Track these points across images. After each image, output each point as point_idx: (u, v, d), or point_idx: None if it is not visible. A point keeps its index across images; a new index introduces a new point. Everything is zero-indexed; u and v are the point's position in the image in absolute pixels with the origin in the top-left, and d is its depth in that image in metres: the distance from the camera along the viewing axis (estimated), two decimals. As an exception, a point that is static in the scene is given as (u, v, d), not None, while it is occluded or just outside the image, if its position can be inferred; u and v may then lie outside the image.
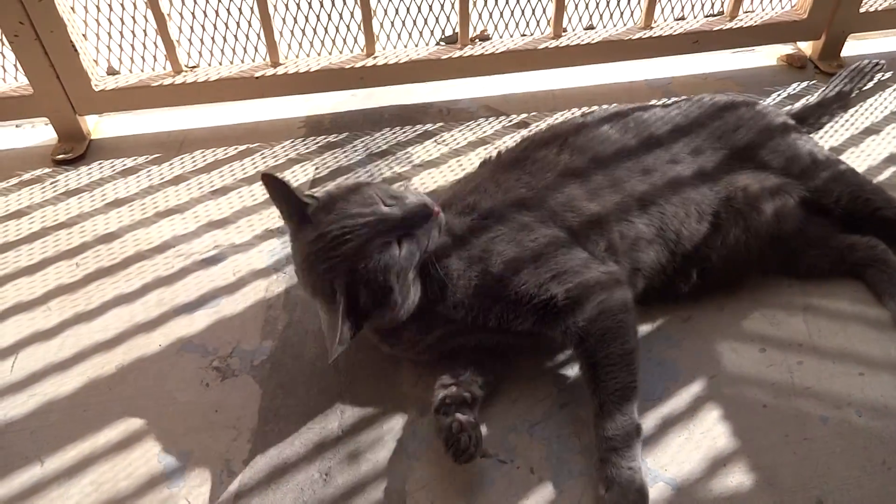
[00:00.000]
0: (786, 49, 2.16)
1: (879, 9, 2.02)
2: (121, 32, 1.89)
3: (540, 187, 1.35)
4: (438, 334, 1.27)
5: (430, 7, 1.96)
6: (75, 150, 1.89)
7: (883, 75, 2.05)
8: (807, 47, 2.14)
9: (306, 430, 1.28)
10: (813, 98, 1.82)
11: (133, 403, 1.33)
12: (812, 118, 1.78)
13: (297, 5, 1.89)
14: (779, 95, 2.01)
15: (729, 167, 1.44)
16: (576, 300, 1.22)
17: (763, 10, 2.05)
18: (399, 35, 1.99)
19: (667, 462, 1.21)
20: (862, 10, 2.00)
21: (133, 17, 1.85)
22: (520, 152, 1.46)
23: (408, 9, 1.95)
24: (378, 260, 1.12)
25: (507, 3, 1.97)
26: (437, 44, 2.00)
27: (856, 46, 2.14)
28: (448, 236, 1.27)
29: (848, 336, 1.39)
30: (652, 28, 1.98)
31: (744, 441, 1.23)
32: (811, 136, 1.61)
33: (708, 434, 1.25)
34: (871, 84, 1.99)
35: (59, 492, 1.20)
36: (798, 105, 1.81)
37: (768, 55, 2.17)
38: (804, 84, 2.05)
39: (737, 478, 1.19)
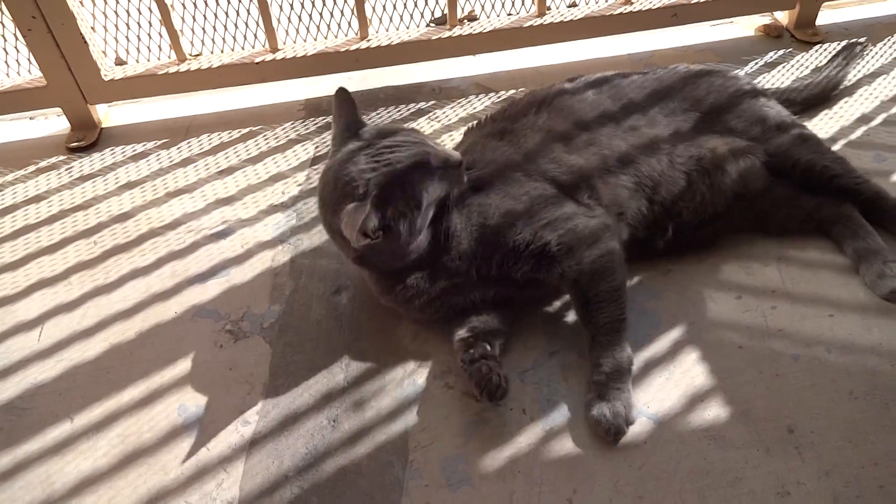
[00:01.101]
0: (762, 20, 2.24)
1: (851, -23, 2.10)
2: (127, 24, 1.99)
3: (526, 147, 1.45)
4: (441, 287, 1.36)
5: (420, -10, 2.05)
6: (87, 137, 1.99)
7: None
8: (783, 17, 2.22)
9: (314, 383, 1.38)
10: (805, 84, 1.87)
11: (153, 365, 1.43)
12: (804, 104, 1.84)
13: (294, -7, 1.99)
14: (756, 64, 2.09)
15: (700, 129, 1.53)
16: (568, 245, 1.33)
17: (739, -18, 2.13)
18: (391, 18, 2.08)
19: (648, 399, 1.31)
20: (834, -21, 2.08)
21: (138, 9, 1.95)
22: (504, 117, 1.55)
23: (398, -7, 2.04)
24: (417, 177, 1.24)
25: (493, -17, 2.06)
26: (428, 25, 2.09)
27: (830, 15, 2.22)
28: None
29: (819, 282, 1.47)
30: (632, 4, 2.06)
31: (720, 379, 1.33)
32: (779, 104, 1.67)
33: (687, 374, 1.34)
34: (860, 63, 2.04)
35: (89, 444, 1.31)
36: (791, 88, 1.86)
37: (746, 26, 2.25)
38: (780, 52, 2.13)
39: (713, 411, 1.28)
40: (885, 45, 2.11)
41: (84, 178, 1.89)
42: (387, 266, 1.35)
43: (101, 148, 1.99)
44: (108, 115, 2.10)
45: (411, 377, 1.38)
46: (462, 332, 1.36)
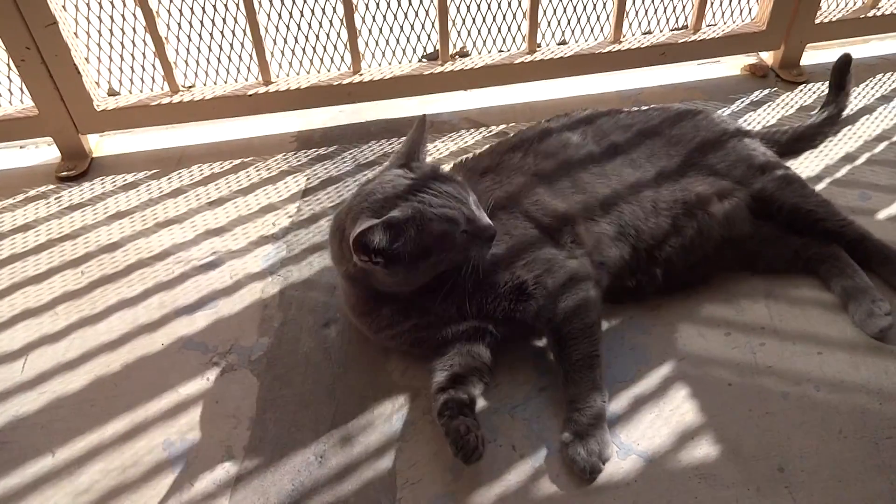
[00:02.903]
0: (748, 59, 2.29)
1: (833, 20, 2.16)
2: (121, 55, 2.00)
3: (510, 188, 1.47)
4: (413, 322, 1.36)
5: (412, 26, 2.08)
6: (78, 167, 1.99)
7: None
8: (768, 57, 2.27)
9: (302, 418, 1.36)
10: (802, 124, 1.90)
11: (138, 398, 1.41)
12: (804, 141, 1.88)
13: (287, 27, 2.01)
14: (742, 103, 2.13)
15: (684, 171, 1.55)
16: (543, 285, 1.35)
17: (724, 23, 2.18)
18: (383, 53, 2.11)
19: (638, 437, 1.30)
20: (817, 21, 2.13)
21: (132, 41, 1.97)
22: (490, 157, 1.57)
23: (391, 28, 2.07)
24: (439, 230, 1.24)
25: (484, 20, 2.09)
26: (420, 61, 2.12)
27: (815, 55, 2.27)
28: None
29: (807, 319, 1.48)
30: (621, 42, 2.10)
31: (710, 416, 1.32)
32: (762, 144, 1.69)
33: (676, 411, 1.34)
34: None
35: (70, 479, 1.28)
36: (790, 127, 1.88)
37: (733, 65, 2.30)
38: (766, 91, 2.17)
39: (703, 449, 1.27)
40: (867, 86, 2.16)
41: (73, 208, 1.89)
42: (375, 288, 1.35)
43: (91, 177, 1.99)
44: (100, 144, 2.10)
45: (400, 412, 1.37)
46: (440, 377, 1.34)
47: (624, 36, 2.11)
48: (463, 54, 2.14)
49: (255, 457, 1.30)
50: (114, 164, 2.04)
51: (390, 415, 1.36)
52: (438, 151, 2.02)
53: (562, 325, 1.34)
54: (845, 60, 1.90)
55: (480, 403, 1.36)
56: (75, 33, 1.89)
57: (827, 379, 1.37)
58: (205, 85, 2.06)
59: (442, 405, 1.27)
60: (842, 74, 1.91)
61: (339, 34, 2.03)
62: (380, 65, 2.10)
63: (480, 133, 2.08)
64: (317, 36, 2.03)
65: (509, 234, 1.40)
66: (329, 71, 2.08)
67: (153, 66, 2.02)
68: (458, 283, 1.32)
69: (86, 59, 1.94)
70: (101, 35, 1.96)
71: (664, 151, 1.58)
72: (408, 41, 2.10)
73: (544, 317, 1.35)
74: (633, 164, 1.54)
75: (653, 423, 1.32)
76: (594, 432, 1.25)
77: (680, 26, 2.19)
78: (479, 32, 2.12)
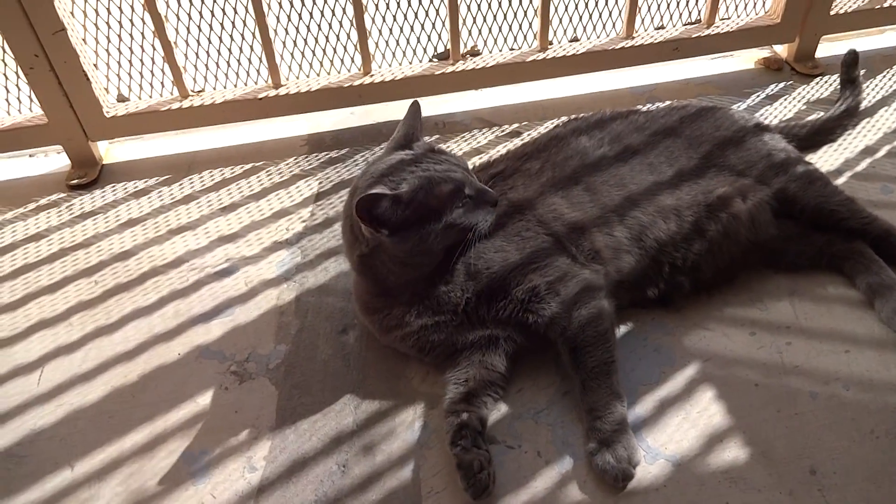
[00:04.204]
0: (762, 53, 2.26)
1: (849, 11, 2.12)
2: (129, 61, 1.98)
3: (526, 194, 1.45)
4: (422, 323, 1.34)
5: (423, 26, 2.05)
6: (88, 175, 1.97)
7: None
8: (782, 50, 2.24)
9: (322, 426, 1.34)
10: (821, 117, 1.88)
11: (156, 408, 1.39)
12: (823, 134, 1.85)
13: (297, 29, 1.98)
14: (757, 97, 2.10)
15: (703, 172, 1.52)
16: (556, 291, 1.33)
17: (738, 16, 2.15)
18: (394, 54, 2.08)
19: (665, 440, 1.28)
20: (832, 12, 2.10)
21: (141, 46, 1.95)
22: (504, 163, 1.55)
23: (401, 28, 2.04)
24: (448, 194, 1.28)
25: (495, 19, 2.06)
26: (430, 60, 2.10)
27: (830, 47, 2.24)
28: None
29: (833, 317, 1.46)
30: (633, 38, 2.08)
31: (738, 418, 1.30)
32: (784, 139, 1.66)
33: (704, 413, 1.31)
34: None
35: (90, 493, 1.27)
36: (809, 121, 1.86)
37: (746, 59, 2.27)
38: (781, 85, 2.14)
39: (733, 452, 1.25)
40: (884, 76, 2.13)
41: (85, 216, 1.87)
42: (386, 277, 1.34)
43: (102, 185, 1.97)
44: (110, 151, 2.08)
45: (421, 419, 1.35)
46: (453, 394, 1.32)
47: (636, 31, 2.08)
48: (474, 53, 2.12)
49: (277, 467, 1.28)
50: (124, 171, 2.02)
51: (412, 422, 1.34)
52: (452, 152, 1.98)
53: (576, 334, 1.31)
54: (853, 56, 1.91)
55: (502, 410, 1.35)
56: (83, 39, 1.87)
57: (855, 378, 1.35)
58: (214, 89, 2.04)
59: (455, 433, 1.25)
60: (850, 69, 1.90)
61: (349, 35, 2.01)
62: (390, 65, 2.08)
63: (493, 133, 2.06)
64: (326, 37, 2.01)
65: (522, 238, 1.38)
66: (339, 73, 2.06)
67: (162, 71, 2.00)
68: (465, 262, 1.34)
69: (94, 65, 1.92)
70: (109, 41, 1.94)
71: (682, 152, 1.55)
72: (418, 41, 2.08)
73: (558, 325, 1.32)
74: (651, 167, 1.51)
75: (680, 425, 1.30)
76: (619, 438, 1.23)
77: (693, 20, 2.16)
78: (490, 31, 2.09)
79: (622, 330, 1.47)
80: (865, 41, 2.31)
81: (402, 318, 1.35)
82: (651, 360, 1.41)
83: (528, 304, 1.33)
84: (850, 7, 2.12)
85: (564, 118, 2.06)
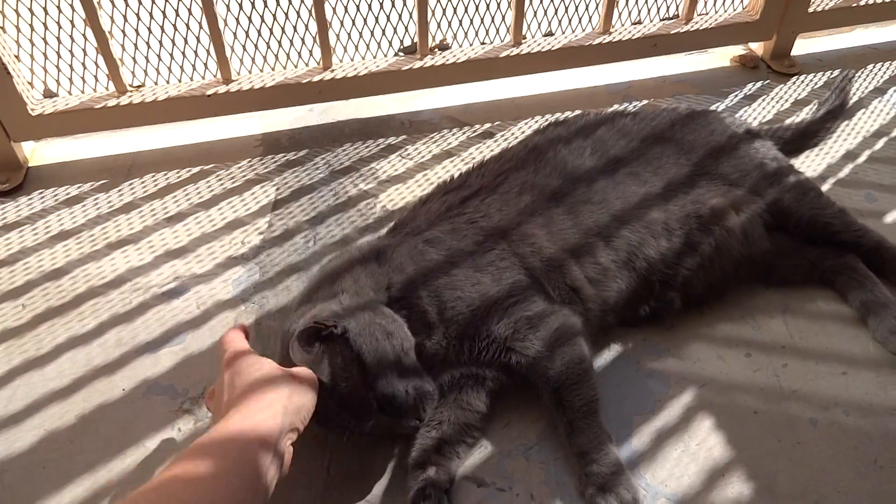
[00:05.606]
0: (738, 50, 2.19)
1: (826, 8, 2.07)
2: (58, 52, 1.76)
3: (498, 222, 1.33)
4: None
5: (388, 17, 1.90)
6: (12, 180, 1.75)
7: (832, 73, 2.11)
8: (758, 48, 2.18)
9: (292, 472, 1.20)
10: (804, 120, 1.84)
11: (98, 455, 1.23)
12: (808, 138, 1.80)
13: (249, 19, 1.79)
14: (735, 96, 2.03)
15: (694, 181, 1.44)
16: (537, 327, 1.24)
17: (717, 12, 2.07)
18: (356, 47, 1.92)
19: (665, 477, 1.19)
20: (810, 10, 2.04)
21: (71, 36, 1.72)
22: (478, 179, 1.42)
23: (365, 20, 1.88)
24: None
25: (466, 11, 1.92)
26: (396, 55, 1.94)
27: (805, 45, 2.19)
28: (421, 269, 1.26)
29: (828, 335, 1.40)
30: (610, 33, 1.97)
31: (739, 450, 1.23)
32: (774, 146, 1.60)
33: (703, 445, 1.24)
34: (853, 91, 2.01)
35: (22, 563, 1.10)
36: (792, 124, 1.80)
37: (721, 56, 2.20)
38: (759, 84, 2.08)
39: (736, 488, 1.18)
40: (859, 77, 2.09)
41: (8, 228, 1.66)
42: None
43: (28, 191, 1.75)
44: (36, 153, 1.86)
45: (403, 460, 1.22)
46: (424, 442, 1.20)
47: (613, 27, 1.98)
48: (443, 47, 1.98)
49: (241, 523, 1.14)
50: (54, 175, 1.80)
51: (392, 464, 1.22)
52: (420, 154, 1.85)
53: (560, 373, 1.21)
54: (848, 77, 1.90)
55: (489, 449, 1.24)
56: (2, 28, 1.64)
57: (855, 402, 1.29)
58: (156, 84, 1.84)
59: (418, 493, 1.13)
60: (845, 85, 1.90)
61: (307, 26, 1.83)
62: (352, 60, 1.91)
63: (464, 133, 1.93)
64: (283, 28, 1.83)
65: (497, 269, 1.27)
66: (297, 67, 1.88)
67: (96, 63, 1.78)
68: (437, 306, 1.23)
69: (16, 56, 1.69)
70: (33, 29, 1.71)
71: (673, 159, 1.46)
72: (383, 33, 1.92)
73: (541, 364, 1.22)
74: (639, 179, 1.42)
75: (679, 459, 1.22)
76: (619, 480, 1.14)
77: (671, 16, 2.07)
78: (461, 24, 1.95)
79: (612, 353, 1.38)
80: (839, 39, 2.27)
81: None
82: (644, 387, 1.32)
83: (510, 343, 1.23)
84: (828, 5, 2.07)
85: (539, 118, 1.96)
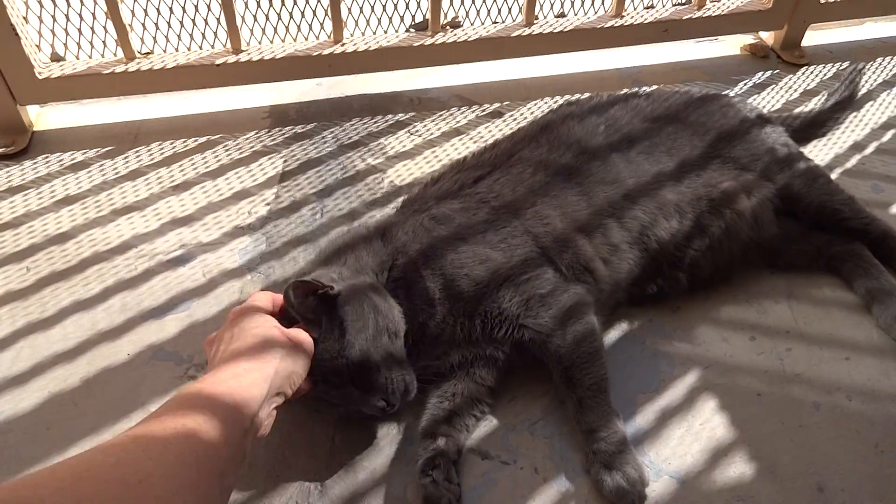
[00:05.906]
0: (748, 39, 2.19)
1: (838, 0, 2.07)
2: (66, 15, 1.74)
3: (511, 199, 1.33)
4: (422, 364, 1.23)
5: (400, -8, 1.89)
6: (17, 143, 1.74)
7: (841, 65, 2.11)
8: (768, 37, 2.18)
9: (297, 440, 1.21)
10: (813, 109, 1.83)
11: (102, 419, 1.22)
12: (816, 127, 1.80)
13: (261, -12, 1.78)
14: (745, 85, 2.03)
15: (706, 164, 1.44)
16: (549, 304, 1.23)
17: (729, -1, 2.07)
18: (368, 21, 1.91)
19: (668, 455, 1.20)
20: (822, 0, 2.04)
21: (81, 0, 1.71)
22: (491, 165, 1.41)
23: (376, -6, 1.87)
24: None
25: (478, -11, 1.92)
26: (407, 31, 1.93)
27: (815, 37, 2.19)
28: (425, 246, 1.25)
29: (832, 321, 1.41)
30: (623, 16, 1.97)
31: (742, 430, 1.23)
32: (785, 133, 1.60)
33: (706, 425, 1.24)
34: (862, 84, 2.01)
35: (25, 520, 1.09)
36: (801, 113, 1.81)
37: (732, 45, 2.20)
38: (768, 73, 2.08)
39: (738, 468, 1.18)
40: (868, 70, 2.09)
41: (13, 191, 1.64)
42: None
43: (33, 155, 1.74)
44: (42, 117, 1.85)
45: (408, 431, 1.22)
46: (434, 412, 1.21)
47: (626, 10, 1.97)
48: (454, 25, 1.97)
49: (247, 488, 1.14)
50: (59, 140, 1.79)
51: (396, 435, 1.22)
52: (429, 132, 1.85)
53: (572, 351, 1.21)
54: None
55: (494, 422, 1.24)
56: (11, -12, 1.63)
57: (857, 387, 1.30)
58: (165, 52, 1.82)
59: (427, 461, 1.13)
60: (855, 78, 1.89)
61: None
62: (363, 34, 1.90)
63: (473, 112, 1.92)
64: (295, 0, 1.81)
65: (509, 246, 1.26)
66: (307, 40, 1.87)
67: (105, 28, 1.77)
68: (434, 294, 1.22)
69: (24, 18, 1.67)
70: (41, -10, 1.69)
71: (685, 141, 1.45)
72: (395, 8, 1.91)
73: (553, 342, 1.22)
74: (651, 158, 1.42)
75: (682, 439, 1.22)
76: (626, 458, 1.14)
77: (683, 1, 2.06)
78: (474, 1, 1.94)
79: (618, 332, 1.38)
80: (851, 31, 2.27)
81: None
82: (649, 366, 1.33)
83: (522, 319, 1.22)
84: (839, -4, 2.07)
85: (548, 99, 1.96)
